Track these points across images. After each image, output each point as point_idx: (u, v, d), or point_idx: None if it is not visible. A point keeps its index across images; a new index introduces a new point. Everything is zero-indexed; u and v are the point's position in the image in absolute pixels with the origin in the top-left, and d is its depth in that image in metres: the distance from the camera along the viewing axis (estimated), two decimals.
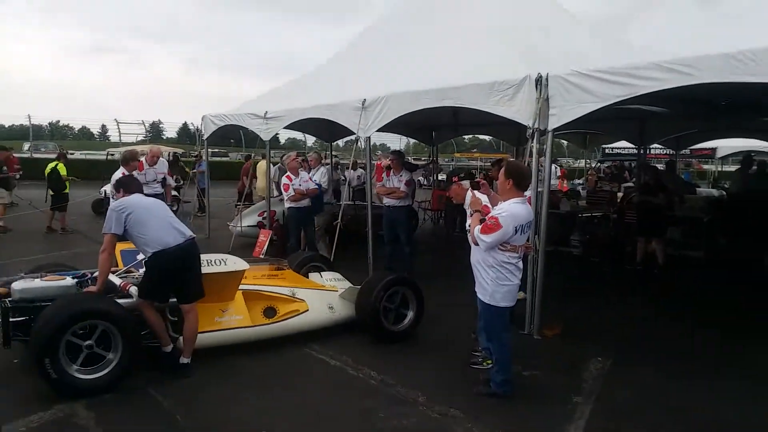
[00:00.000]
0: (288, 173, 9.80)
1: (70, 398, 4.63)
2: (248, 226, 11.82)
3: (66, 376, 4.61)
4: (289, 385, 5.16)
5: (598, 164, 22.74)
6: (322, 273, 7.27)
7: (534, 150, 6.15)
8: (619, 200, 13.08)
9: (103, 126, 70.63)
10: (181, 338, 5.28)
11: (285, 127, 10.77)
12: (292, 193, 9.50)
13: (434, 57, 8.41)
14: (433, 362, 5.68)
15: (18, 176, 13.63)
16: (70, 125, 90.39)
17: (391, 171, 9.39)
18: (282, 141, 44.34)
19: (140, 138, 38.28)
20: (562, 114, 6.00)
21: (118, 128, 34.63)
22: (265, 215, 11.72)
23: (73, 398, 4.63)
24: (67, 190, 13.47)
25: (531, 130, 6.10)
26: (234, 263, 5.65)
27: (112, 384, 4.81)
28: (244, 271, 5.73)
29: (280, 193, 11.02)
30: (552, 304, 6.57)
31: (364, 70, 9.69)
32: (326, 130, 14.43)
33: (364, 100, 8.32)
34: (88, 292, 5.07)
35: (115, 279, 5.49)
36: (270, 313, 6.01)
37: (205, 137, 12.75)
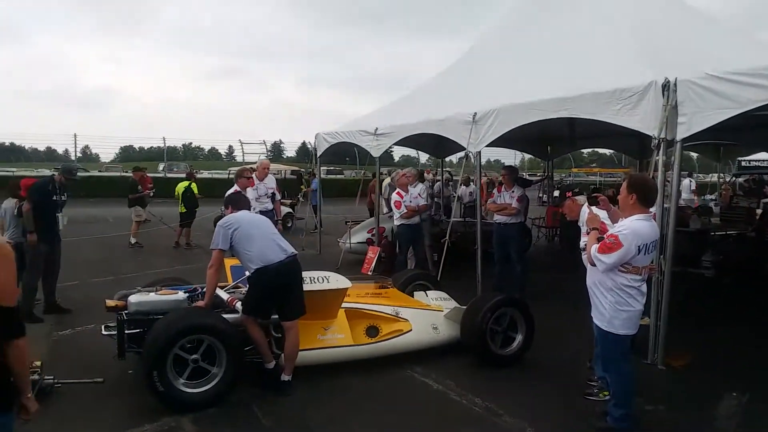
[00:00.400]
0: (398, 190, 9.70)
1: (176, 411, 4.72)
2: (357, 242, 11.87)
3: (172, 389, 4.71)
4: (391, 408, 4.98)
5: (733, 178, 20.86)
6: (427, 292, 7.06)
7: (660, 163, 5.61)
8: (758, 217, 11.85)
9: (230, 146, 74.98)
10: (282, 355, 5.26)
11: (397, 144, 10.74)
12: (404, 210, 9.38)
13: (547, 66, 8.01)
14: (543, 391, 5.27)
15: (151, 194, 14.61)
16: (201, 146, 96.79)
17: (503, 187, 9.03)
18: (396, 158, 44.66)
19: (262, 157, 40.16)
20: (692, 122, 5.43)
21: (242, 148, 36.49)
22: (374, 232, 11.74)
23: (179, 411, 4.71)
24: (198, 208, 14.47)
25: (656, 141, 5.57)
26: (336, 281, 5.58)
27: (216, 398, 4.85)
28: (347, 289, 5.64)
29: (390, 210, 10.99)
30: (679, 331, 5.94)
31: (474, 83, 9.46)
32: (437, 145, 14.27)
33: (475, 113, 8.05)
34: (196, 306, 5.19)
35: (222, 294, 5.59)
36: (372, 332, 5.87)
37: (318, 155, 12.99)
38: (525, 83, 7.99)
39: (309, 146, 14.76)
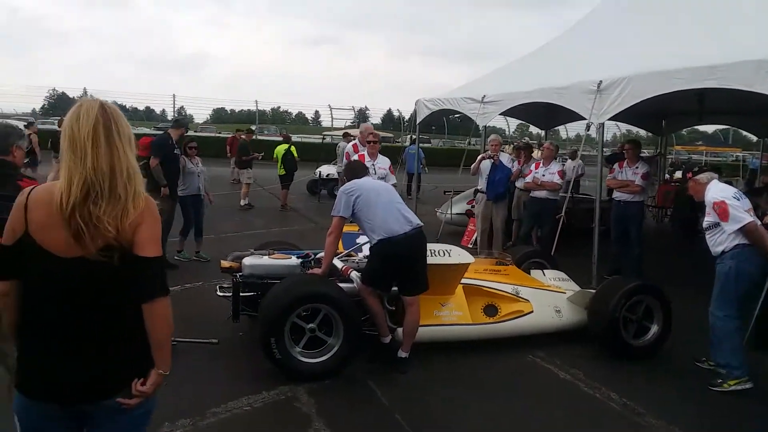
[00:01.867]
0: (538, 161, 9.27)
1: (291, 380, 4.54)
2: (457, 213, 11.45)
3: (290, 357, 4.53)
4: (515, 394, 4.64)
5: None
6: (544, 271, 6.59)
7: None
8: None
9: (317, 111, 75.42)
10: (399, 330, 4.97)
11: (503, 113, 10.17)
12: (530, 180, 8.90)
13: (685, 31, 7.22)
14: (692, 392, 4.74)
15: (260, 157, 14.76)
16: (289, 110, 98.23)
17: (625, 162, 8.34)
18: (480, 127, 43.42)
19: (348, 123, 40.20)
20: None
21: (331, 113, 36.58)
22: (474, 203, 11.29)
23: (295, 381, 4.54)
24: (296, 170, 14.53)
25: None
26: (459, 255, 5.21)
27: (332, 370, 4.64)
28: (468, 264, 5.27)
29: None
30: None
31: (599, 48, 8.75)
32: (544, 115, 13.54)
33: (600, 82, 7.39)
34: (312, 273, 4.96)
35: (337, 262, 5.34)
36: (491, 311, 5.49)
37: (418, 121, 12.58)
38: (658, 48, 7.27)
39: (395, 113, 14.37)
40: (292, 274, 4.99)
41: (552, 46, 10.56)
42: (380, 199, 4.82)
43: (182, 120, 8.28)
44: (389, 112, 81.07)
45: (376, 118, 73.37)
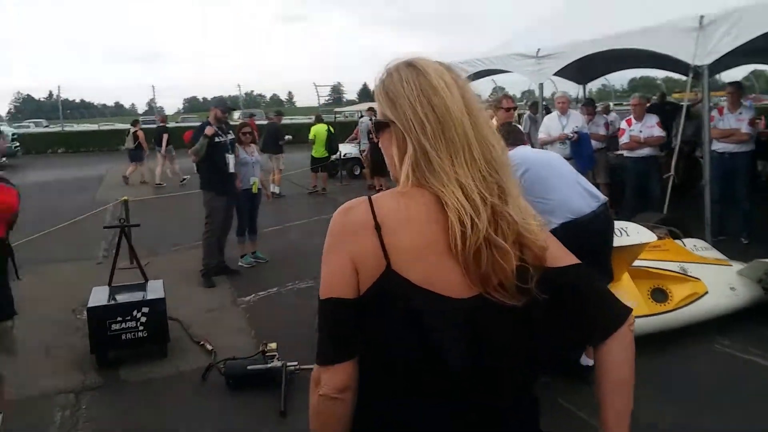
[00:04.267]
0: (629, 117, 8.31)
1: None
2: None
3: None
4: (723, 395, 3.78)
5: None
6: (683, 240, 5.68)
7: None
8: None
9: (290, 92, 73.90)
10: None
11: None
12: (627, 140, 7.96)
13: None
14: None
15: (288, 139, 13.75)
16: (262, 94, 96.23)
17: (725, 108, 7.45)
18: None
19: (323, 101, 38.75)
20: None
21: (317, 91, 35.18)
22: None
23: None
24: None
25: None
26: (637, 233, 4.28)
27: None
28: (647, 244, 4.35)
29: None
30: None
31: None
32: (579, 70, 12.54)
33: (701, 17, 6.46)
34: None
35: None
36: (659, 296, 4.59)
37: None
38: None
39: (370, 87, 13.44)
40: None
41: None
42: (555, 173, 3.85)
43: (219, 99, 7.10)
44: (365, 86, 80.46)
45: (351, 93, 72.10)
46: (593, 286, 1.33)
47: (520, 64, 9.54)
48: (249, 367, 4.00)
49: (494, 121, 5.98)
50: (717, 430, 3.42)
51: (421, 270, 1.17)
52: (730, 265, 5.06)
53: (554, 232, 3.50)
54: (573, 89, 13.66)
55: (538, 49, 9.04)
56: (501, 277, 1.18)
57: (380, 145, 1.32)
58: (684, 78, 15.30)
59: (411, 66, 1.26)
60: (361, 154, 14.58)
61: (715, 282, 4.74)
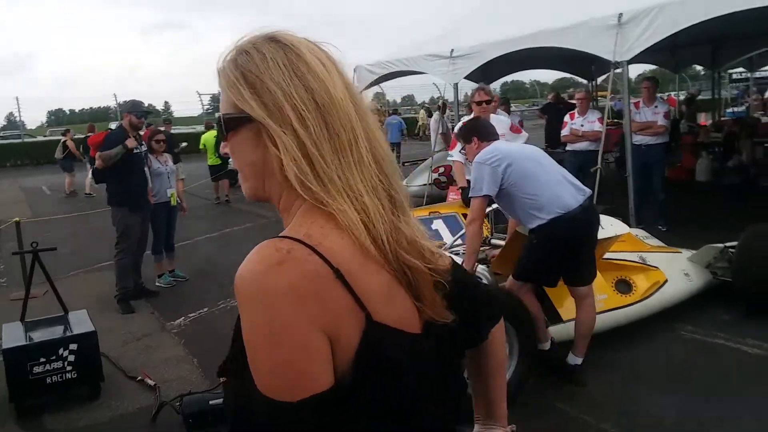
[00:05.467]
0: (572, 111, 8.43)
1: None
2: (421, 185, 10.44)
3: None
4: (708, 382, 3.76)
5: None
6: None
7: None
8: None
9: (166, 102, 70.38)
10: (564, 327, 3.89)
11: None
12: (567, 133, 8.03)
13: None
14: None
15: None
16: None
17: (640, 102, 7.72)
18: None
19: (201, 112, 37.30)
20: None
21: (201, 99, 33.77)
22: (441, 171, 10.32)
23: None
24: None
25: None
26: (611, 225, 4.19)
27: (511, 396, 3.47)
28: (620, 236, 4.28)
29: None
30: None
31: None
32: (483, 72, 12.67)
33: (620, 15, 6.64)
34: None
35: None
36: (623, 287, 4.54)
37: (361, 90, 11.22)
38: None
39: None
40: None
41: None
42: (539, 167, 3.64)
43: (134, 103, 6.33)
44: None
45: None
46: (472, 279, 1.29)
47: (433, 64, 9.46)
48: (211, 402, 3.46)
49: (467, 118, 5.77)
50: (714, 416, 3.36)
51: (394, 313, 0.89)
52: (681, 252, 5.14)
53: (544, 227, 3.34)
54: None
55: (452, 50, 8.99)
56: (429, 297, 0.93)
57: (229, 151, 0.98)
58: (582, 80, 16.10)
59: (275, 41, 0.94)
60: None
61: (671, 270, 4.78)
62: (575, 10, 7.55)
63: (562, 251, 3.57)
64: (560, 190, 3.57)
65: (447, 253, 1.05)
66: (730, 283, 4.80)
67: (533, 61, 13.67)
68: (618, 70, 6.92)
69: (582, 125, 8.02)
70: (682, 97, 19.19)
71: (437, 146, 11.38)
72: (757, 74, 21.09)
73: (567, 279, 3.76)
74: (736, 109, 20.32)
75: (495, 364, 1.25)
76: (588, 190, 3.71)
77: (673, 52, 11.94)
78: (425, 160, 11.57)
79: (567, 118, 8.33)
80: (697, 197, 9.48)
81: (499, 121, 5.46)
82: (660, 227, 7.54)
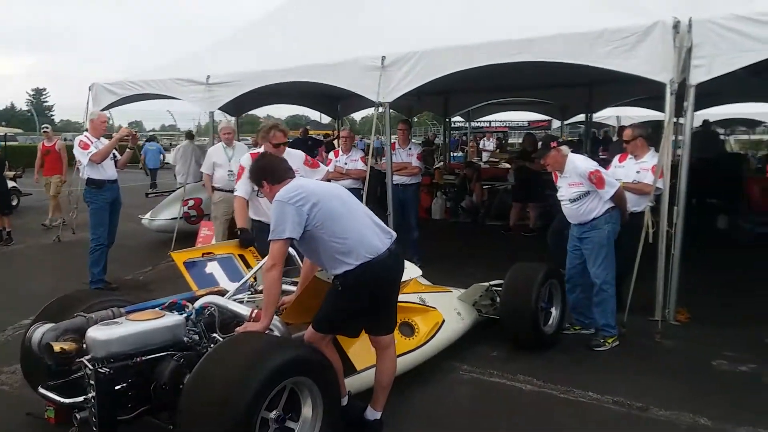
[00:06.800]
0: (337, 149, 8.31)
1: None
2: (170, 219, 9.58)
3: None
4: (496, 424, 3.82)
5: None
6: None
7: (670, 108, 5.34)
8: None
9: None
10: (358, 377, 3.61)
11: (243, 96, 8.58)
12: (332, 170, 7.72)
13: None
14: (631, 367, 4.62)
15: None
16: None
17: (396, 144, 8.00)
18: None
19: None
20: (712, 66, 5.21)
21: None
22: (190, 203, 9.58)
23: None
24: None
25: (673, 87, 5.26)
26: (407, 268, 3.99)
27: None
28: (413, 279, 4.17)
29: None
30: None
31: (374, 18, 8.09)
32: (235, 103, 12.11)
33: (383, 57, 6.85)
34: (248, 331, 3.17)
35: (237, 307, 3.53)
36: (406, 330, 4.43)
37: (101, 109, 9.85)
38: (453, 22, 7.10)
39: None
40: (222, 345, 3.11)
41: (299, 14, 9.40)
42: (346, 208, 3.31)
43: None
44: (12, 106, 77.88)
45: None
46: None
47: (187, 89, 8.74)
48: None
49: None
50: None
51: None
52: (451, 291, 5.27)
53: (351, 273, 3.04)
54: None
55: (208, 76, 8.42)
56: None
57: None
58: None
59: None
60: None
61: (446, 309, 4.82)
62: (342, 49, 7.54)
63: (369, 298, 3.30)
64: (368, 232, 3.31)
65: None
66: (496, 319, 5.06)
67: (288, 98, 13.72)
68: (380, 110, 7.11)
69: (346, 163, 8.04)
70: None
71: (190, 177, 10.47)
72: (474, 123, 24.49)
73: (370, 328, 3.49)
74: (454, 154, 23.02)
75: None
76: (393, 233, 3.50)
77: (419, 98, 12.84)
78: (174, 191, 10.62)
79: (332, 155, 8.28)
80: (438, 234, 10.24)
81: (293, 155, 5.09)
82: (415, 263, 7.85)
